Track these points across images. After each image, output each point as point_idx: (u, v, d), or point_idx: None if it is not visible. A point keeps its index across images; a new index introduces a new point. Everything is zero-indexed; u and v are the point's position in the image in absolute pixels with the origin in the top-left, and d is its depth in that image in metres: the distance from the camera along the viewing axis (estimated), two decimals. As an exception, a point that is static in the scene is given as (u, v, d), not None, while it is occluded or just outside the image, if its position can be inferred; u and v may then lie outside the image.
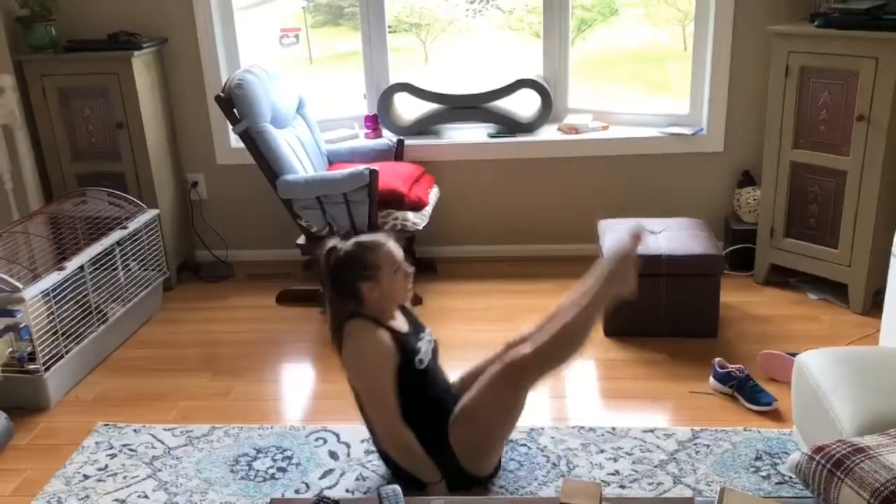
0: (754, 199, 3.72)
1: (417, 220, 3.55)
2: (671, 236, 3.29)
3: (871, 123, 3.13)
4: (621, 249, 2.35)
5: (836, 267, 3.39)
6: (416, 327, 2.40)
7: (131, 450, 2.65)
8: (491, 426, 2.30)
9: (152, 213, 3.62)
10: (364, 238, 2.32)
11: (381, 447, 2.37)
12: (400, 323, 2.36)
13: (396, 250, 2.30)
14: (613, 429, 2.63)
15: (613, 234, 3.37)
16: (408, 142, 3.95)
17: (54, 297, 2.96)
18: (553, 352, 2.26)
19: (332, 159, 3.91)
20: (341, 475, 2.48)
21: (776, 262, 3.61)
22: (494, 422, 2.30)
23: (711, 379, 2.86)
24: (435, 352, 2.41)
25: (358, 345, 2.25)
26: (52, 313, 2.95)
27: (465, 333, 3.36)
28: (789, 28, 3.33)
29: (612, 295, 2.32)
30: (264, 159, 3.48)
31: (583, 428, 2.65)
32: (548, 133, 3.99)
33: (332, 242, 2.31)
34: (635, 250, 2.34)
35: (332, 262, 2.27)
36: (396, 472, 2.33)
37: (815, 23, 3.23)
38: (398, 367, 2.24)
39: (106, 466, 2.57)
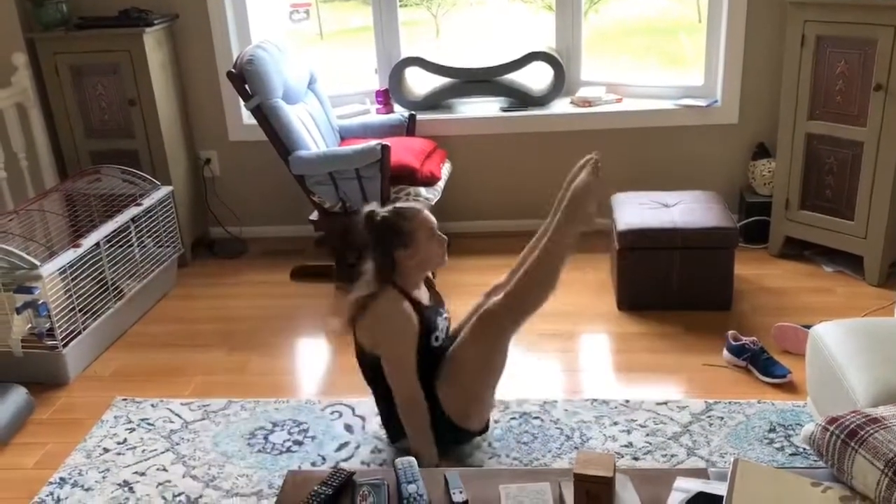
0: (769, 171, 3.69)
1: (430, 195, 3.55)
2: (685, 209, 3.27)
3: (888, 93, 3.09)
4: (578, 183, 2.30)
5: (851, 239, 3.36)
6: (437, 302, 2.42)
7: (149, 424, 2.68)
8: (474, 378, 2.32)
9: (166, 189, 3.63)
10: (401, 205, 2.34)
11: (388, 421, 2.39)
12: (423, 294, 2.38)
13: (431, 217, 2.32)
14: (627, 401, 2.64)
15: (628, 208, 3.36)
16: (419, 116, 3.94)
17: (71, 274, 2.99)
18: (523, 296, 2.27)
19: (344, 135, 3.90)
20: (357, 448, 2.50)
21: (791, 235, 3.59)
22: (477, 374, 2.31)
23: (725, 351, 2.86)
24: (448, 330, 2.42)
25: (390, 314, 2.26)
26: (69, 290, 2.98)
27: (479, 308, 3.36)
28: (806, -3, 3.29)
29: (576, 230, 2.28)
30: (276, 135, 3.48)
31: (596, 400, 2.66)
32: (561, 106, 3.97)
33: (370, 207, 2.32)
34: (592, 182, 2.29)
35: (371, 228, 2.27)
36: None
37: (832, -9, 3.18)
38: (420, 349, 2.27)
39: (125, 440, 2.61)
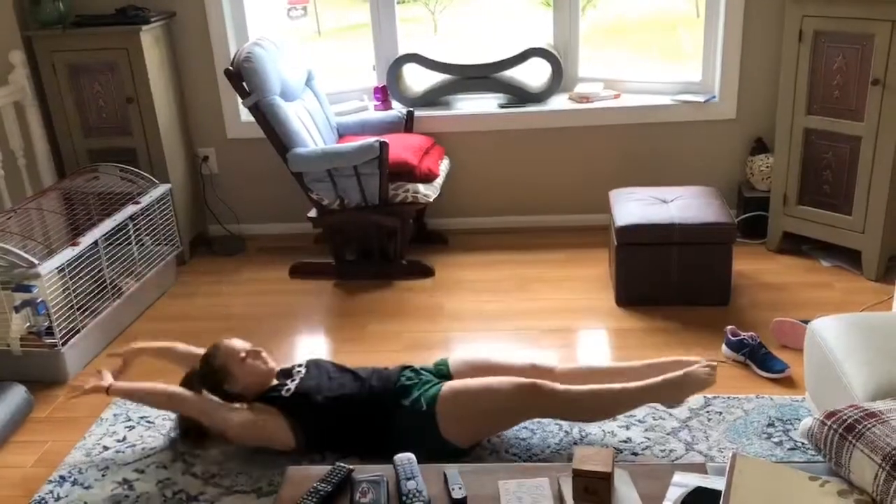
0: (767, 167, 3.69)
1: (428, 191, 3.55)
2: (683, 204, 3.27)
3: (886, 88, 3.09)
4: (699, 379, 2.31)
5: (849, 234, 3.37)
6: (286, 372, 2.53)
7: (149, 422, 2.68)
8: (486, 420, 2.34)
9: (164, 187, 3.63)
10: (206, 351, 2.51)
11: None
12: (267, 378, 2.49)
13: (233, 343, 2.48)
14: (626, 397, 2.64)
15: (626, 204, 3.36)
16: (418, 113, 3.94)
17: (69, 273, 2.99)
18: (579, 405, 2.31)
19: (342, 132, 3.90)
20: (356, 445, 2.50)
21: (789, 230, 3.59)
22: (490, 418, 2.34)
23: (724, 346, 2.86)
24: (314, 366, 2.53)
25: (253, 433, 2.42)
26: (67, 288, 2.98)
27: (477, 304, 3.37)
28: (803, -8, 3.29)
29: (661, 399, 2.35)
30: (274, 133, 3.48)
31: (595, 396, 2.66)
32: (559, 102, 3.97)
33: (187, 375, 2.55)
34: (706, 385, 2.33)
35: (198, 388, 2.49)
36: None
37: (830, -14, 3.18)
38: (277, 405, 2.41)
39: (124, 438, 2.61)
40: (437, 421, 2.29)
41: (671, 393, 2.32)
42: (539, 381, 2.30)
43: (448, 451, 2.29)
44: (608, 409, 2.35)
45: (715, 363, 2.36)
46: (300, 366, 2.56)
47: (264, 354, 2.50)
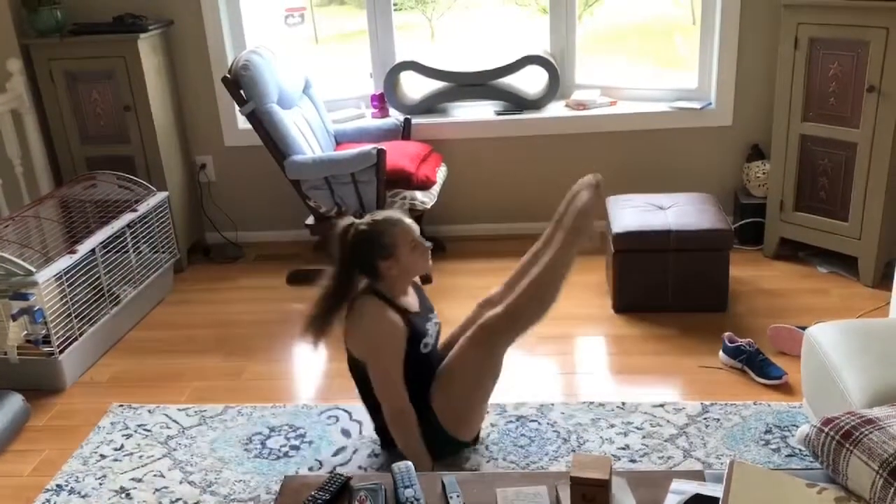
0: (763, 173, 3.70)
1: (426, 198, 3.55)
2: (680, 211, 3.28)
3: (881, 94, 3.10)
4: (583, 205, 2.31)
5: (846, 240, 3.38)
6: (426, 308, 2.41)
7: (146, 430, 2.68)
8: (468, 389, 2.32)
9: (162, 195, 3.63)
10: (380, 216, 2.32)
11: (381, 428, 2.40)
12: (411, 300, 2.37)
13: (413, 227, 2.31)
14: (623, 404, 2.65)
15: (623, 210, 3.36)
16: (415, 121, 3.94)
17: (67, 281, 2.98)
18: (523, 311, 2.28)
19: (340, 139, 3.91)
20: (354, 452, 2.51)
21: (786, 236, 3.60)
22: (471, 385, 2.32)
23: (721, 353, 2.87)
24: (437, 335, 2.42)
25: (373, 323, 2.26)
26: (65, 296, 2.98)
27: (475, 311, 3.36)
28: (798, -1, 3.30)
29: (577, 248, 2.30)
30: (272, 140, 3.48)
31: (593, 403, 2.67)
32: (555, 109, 3.98)
33: (348, 220, 2.31)
34: (594, 203, 2.31)
35: (350, 240, 2.26)
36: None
37: (825, -7, 3.20)
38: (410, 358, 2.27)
39: (122, 446, 2.60)
40: (439, 419, 2.29)
41: (579, 235, 2.28)
42: (481, 321, 2.28)
43: (456, 446, 2.33)
44: (546, 296, 2.28)
45: (592, 178, 2.35)
46: (436, 317, 2.42)
47: (428, 256, 2.33)
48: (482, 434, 2.51)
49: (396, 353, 2.25)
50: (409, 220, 2.31)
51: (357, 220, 2.31)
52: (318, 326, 2.28)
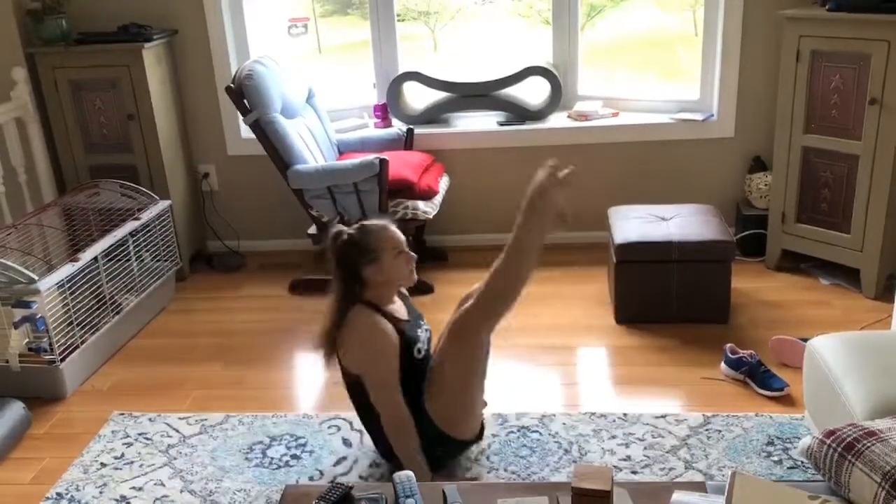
0: (765, 185, 3.70)
1: (428, 208, 3.56)
2: (682, 222, 3.28)
3: (883, 107, 3.11)
4: (539, 184, 2.30)
5: (848, 252, 3.38)
6: (415, 315, 2.43)
7: (147, 438, 2.68)
8: (457, 385, 2.31)
9: (164, 204, 3.64)
10: (367, 223, 2.36)
11: (380, 441, 2.40)
12: (399, 310, 2.39)
13: (398, 234, 2.34)
14: (625, 415, 2.64)
15: (625, 221, 3.37)
16: (417, 131, 3.95)
17: (69, 289, 2.99)
18: (491, 299, 2.26)
19: (343, 149, 3.92)
20: (354, 462, 2.50)
21: (788, 248, 3.60)
22: (459, 380, 2.30)
23: (723, 365, 2.86)
24: (429, 341, 2.43)
25: (365, 332, 2.28)
26: (66, 304, 2.98)
27: (477, 321, 3.36)
28: (800, 12, 3.31)
29: (540, 230, 2.27)
30: (275, 150, 3.49)
31: (594, 414, 2.66)
32: (558, 120, 3.99)
33: (337, 228, 2.34)
34: (549, 182, 2.29)
35: (338, 246, 2.30)
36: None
37: (827, 6, 3.21)
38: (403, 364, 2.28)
39: (122, 455, 2.60)
40: (436, 422, 2.28)
41: (540, 218, 2.26)
42: (455, 316, 2.29)
43: (456, 447, 2.32)
44: (512, 282, 2.24)
45: (555, 161, 2.31)
46: (426, 324, 2.45)
47: (413, 265, 2.36)
48: (485, 443, 2.50)
49: (391, 360, 2.26)
50: (394, 228, 2.34)
51: (345, 228, 2.34)
52: (332, 339, 2.30)
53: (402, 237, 2.35)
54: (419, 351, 2.33)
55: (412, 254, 2.35)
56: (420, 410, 2.29)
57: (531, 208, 2.28)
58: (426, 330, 2.43)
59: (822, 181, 3.40)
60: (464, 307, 2.31)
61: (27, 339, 2.91)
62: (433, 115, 4.06)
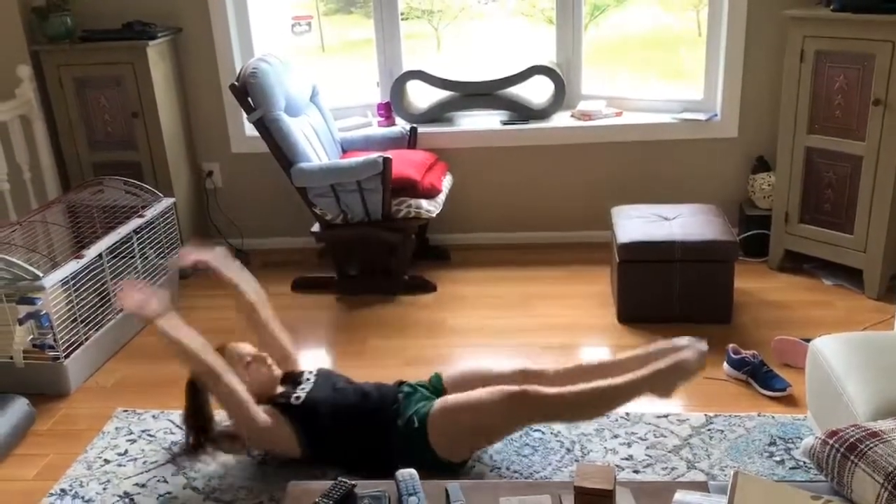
0: (769, 185, 3.70)
1: (431, 207, 3.56)
2: (685, 222, 3.29)
3: (887, 107, 3.11)
4: (685, 363, 2.27)
5: (851, 252, 3.38)
6: (294, 380, 2.53)
7: (150, 435, 2.69)
8: (477, 434, 2.32)
9: (168, 201, 3.65)
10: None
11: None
12: (276, 385, 2.51)
13: (241, 348, 2.51)
14: (627, 414, 2.64)
15: (628, 221, 3.37)
16: (421, 129, 3.96)
17: (73, 285, 3.00)
18: (571, 407, 2.26)
19: (346, 147, 3.92)
20: (357, 460, 2.50)
21: (791, 248, 3.60)
22: (482, 431, 2.31)
23: (725, 365, 2.87)
24: (323, 376, 2.53)
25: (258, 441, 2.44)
26: (71, 301, 2.99)
27: (479, 320, 3.37)
28: (804, 12, 3.31)
29: (650, 391, 2.28)
30: (279, 148, 3.50)
31: (597, 413, 2.66)
32: (561, 119, 3.99)
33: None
34: (697, 367, 2.29)
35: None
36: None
37: (831, 6, 3.21)
38: (285, 412, 2.39)
39: (126, 451, 2.61)
40: (430, 439, 2.28)
41: (661, 384, 2.26)
42: (528, 387, 2.25)
43: (441, 467, 2.27)
44: (600, 407, 2.29)
45: (705, 346, 2.31)
46: (310, 373, 2.56)
47: (270, 361, 2.50)
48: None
49: (286, 437, 2.39)
50: (234, 344, 2.53)
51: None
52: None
53: (246, 348, 2.52)
54: (297, 398, 2.42)
55: (262, 355, 2.51)
56: (420, 434, 2.28)
57: (666, 377, 2.27)
58: (308, 380, 2.51)
59: (825, 182, 3.40)
60: (543, 389, 2.24)
61: (31, 336, 2.92)
62: (436, 114, 4.07)
